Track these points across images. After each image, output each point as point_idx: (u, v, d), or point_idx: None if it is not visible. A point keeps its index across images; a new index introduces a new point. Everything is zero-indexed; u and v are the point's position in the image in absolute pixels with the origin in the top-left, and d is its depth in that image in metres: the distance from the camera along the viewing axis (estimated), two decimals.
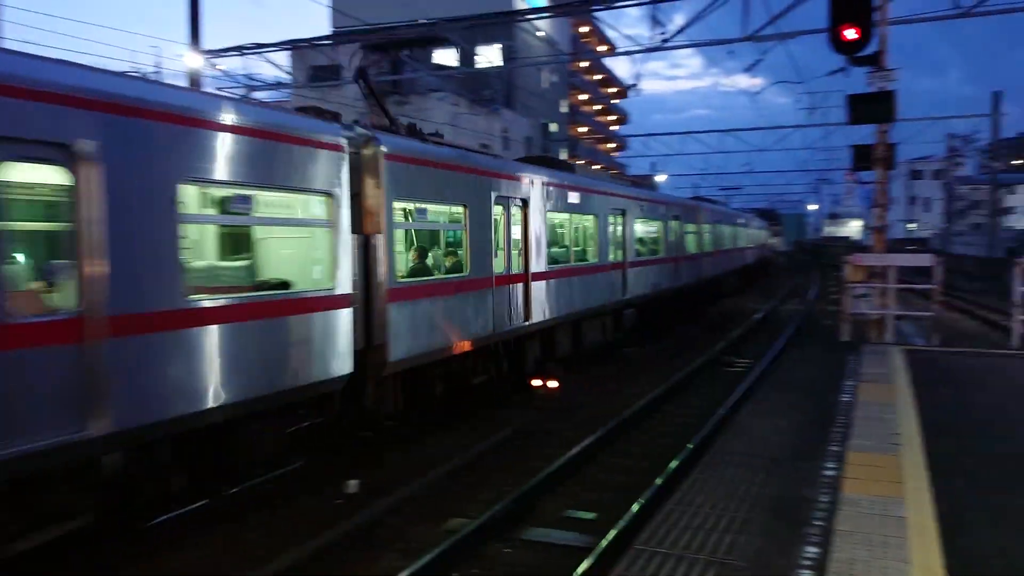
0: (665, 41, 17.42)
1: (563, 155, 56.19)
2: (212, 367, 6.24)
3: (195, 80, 23.14)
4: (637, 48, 18.19)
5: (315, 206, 7.64)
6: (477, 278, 10.20)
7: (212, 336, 6.25)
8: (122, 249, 5.46)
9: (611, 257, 15.12)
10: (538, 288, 11.86)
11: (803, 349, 10.71)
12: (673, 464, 8.01)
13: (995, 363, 9.65)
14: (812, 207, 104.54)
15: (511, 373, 11.61)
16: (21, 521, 5.13)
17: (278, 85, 29.89)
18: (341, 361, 7.67)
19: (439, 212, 10.30)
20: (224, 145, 6.41)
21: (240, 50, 22.50)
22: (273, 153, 6.96)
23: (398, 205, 8.81)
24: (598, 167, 69.57)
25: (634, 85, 21.98)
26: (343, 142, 7.86)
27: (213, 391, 6.23)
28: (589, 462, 8.69)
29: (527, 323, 11.48)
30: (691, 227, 22.72)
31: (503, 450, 9.20)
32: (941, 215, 53.98)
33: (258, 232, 8.10)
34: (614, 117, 79.96)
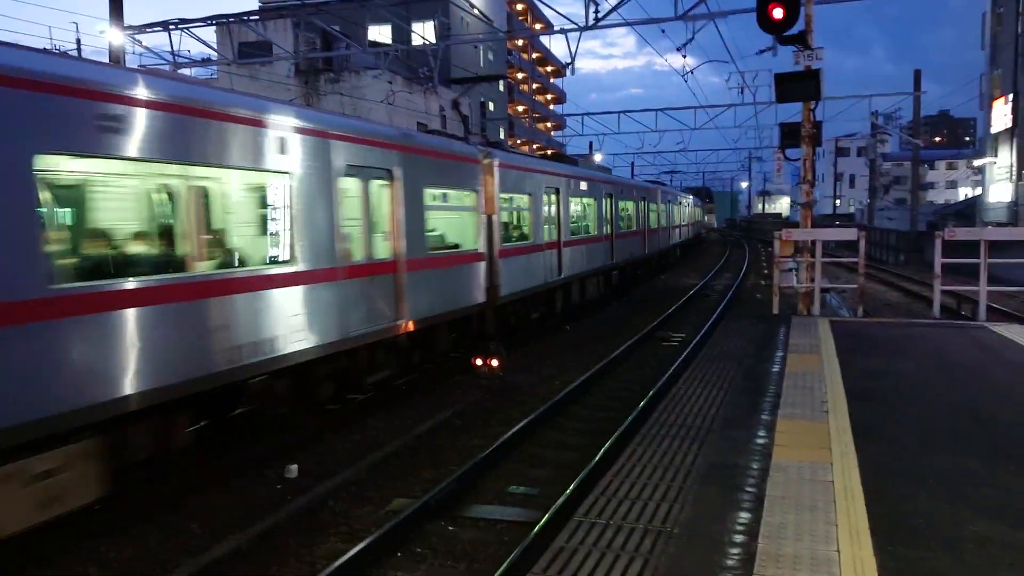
0: (598, 20, 17.49)
1: (501, 134, 56.05)
2: (434, 291, 10.53)
3: (116, 57, 22.25)
4: (571, 27, 18.21)
5: (468, 198, 12.18)
6: (538, 244, 15.05)
7: (436, 272, 10.60)
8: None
9: (606, 230, 20.48)
10: (565, 253, 16.55)
11: (736, 322, 11.01)
12: (611, 440, 8.17)
13: (917, 332, 10.10)
14: (744, 184, 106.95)
15: (561, 312, 16.86)
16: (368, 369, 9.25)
17: (205, 62, 28.97)
18: (480, 293, 12.29)
19: (520, 199, 14.67)
20: (440, 168, 11.06)
21: (164, 25, 21.69)
22: (458, 169, 11.82)
23: (503, 195, 13.22)
24: (536, 146, 69.64)
25: (570, 64, 21.95)
26: (480, 157, 12.50)
27: (430, 305, 10.46)
28: (530, 439, 8.80)
29: (560, 277, 16.33)
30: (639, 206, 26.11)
31: (445, 430, 9.23)
32: (866, 191, 55.87)
33: (448, 214, 11.97)
34: (551, 96, 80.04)
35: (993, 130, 41.88)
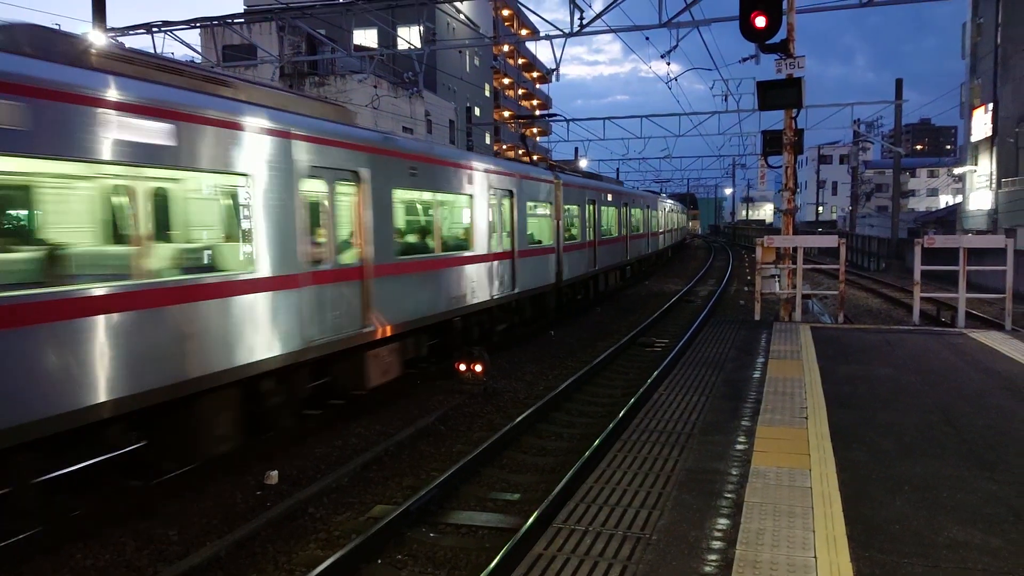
0: (583, 26, 17.56)
1: (487, 139, 56.06)
2: (529, 273, 15.26)
3: None
4: (556, 33, 18.26)
5: (549, 208, 17.10)
6: (584, 242, 19.79)
7: (530, 260, 15.32)
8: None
9: (623, 232, 25.54)
10: (600, 250, 21.48)
11: (718, 328, 11.04)
12: (593, 444, 8.18)
13: (897, 338, 10.17)
14: (728, 191, 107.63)
15: (594, 295, 21.94)
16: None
17: (189, 65, 28.80)
18: (552, 276, 16.94)
19: (572, 208, 18.98)
20: (536, 188, 16.17)
21: (148, 28, 21.56)
22: (546, 188, 16.87)
23: (564, 206, 17.98)
24: (522, 151, 69.69)
25: (555, 70, 22.02)
26: (553, 178, 17.50)
27: (527, 282, 15.22)
28: (512, 445, 8.79)
29: (595, 269, 20.95)
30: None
31: (428, 436, 9.20)
32: (848, 198, 56.36)
33: (539, 219, 16.68)
34: (537, 102, 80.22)
35: (973, 139, 42.40)
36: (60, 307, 5.49)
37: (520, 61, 72.66)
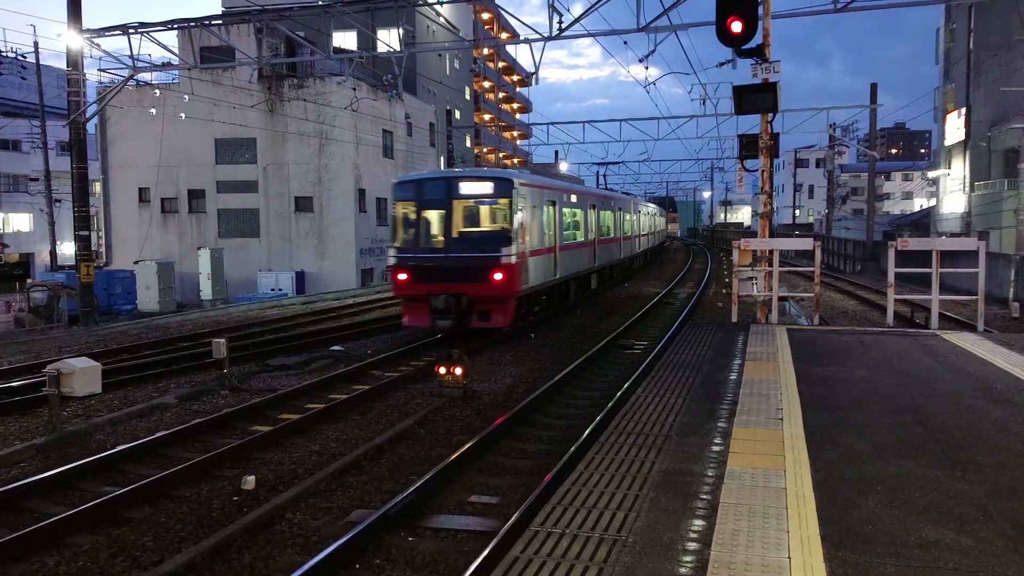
0: (562, 30, 17.61)
1: (467, 142, 56.03)
2: (610, 254, 28.12)
3: (75, 62, 21.81)
4: (536, 37, 18.31)
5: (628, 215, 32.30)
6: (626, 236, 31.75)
7: (608, 246, 27.60)
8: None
9: (617, 233, 30.56)
10: (642, 241, 36.32)
11: (696, 330, 11.11)
12: (571, 450, 8.19)
13: (871, 340, 10.29)
14: (706, 194, 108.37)
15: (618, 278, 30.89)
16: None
17: (166, 66, 28.53)
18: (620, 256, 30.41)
19: (632, 215, 32.10)
20: (625, 204, 33.03)
21: (124, 29, 21.33)
22: (631, 202, 35.21)
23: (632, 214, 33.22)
24: (503, 155, 69.74)
25: (535, 73, 22.07)
26: (631, 197, 36.49)
27: (607, 259, 27.43)
28: (492, 448, 8.78)
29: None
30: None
31: (407, 439, 9.18)
32: (824, 201, 56.95)
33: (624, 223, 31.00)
34: (517, 105, 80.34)
35: (947, 143, 43.00)
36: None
37: (500, 64, 72.75)
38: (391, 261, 16.09)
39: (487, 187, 15.95)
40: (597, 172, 67.29)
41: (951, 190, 42.79)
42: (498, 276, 15.11)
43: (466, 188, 15.81)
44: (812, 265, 12.30)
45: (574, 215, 21.97)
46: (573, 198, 21.66)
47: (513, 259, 15.36)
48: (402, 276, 15.68)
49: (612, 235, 28.15)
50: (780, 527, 4.14)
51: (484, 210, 16.78)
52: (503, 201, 15.65)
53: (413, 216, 16.10)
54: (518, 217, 15.78)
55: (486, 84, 67.78)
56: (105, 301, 28.41)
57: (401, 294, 16.09)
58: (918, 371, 8.18)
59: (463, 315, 15.33)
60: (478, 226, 16.81)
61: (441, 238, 15.91)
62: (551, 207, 18.92)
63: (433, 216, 16.20)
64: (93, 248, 25.00)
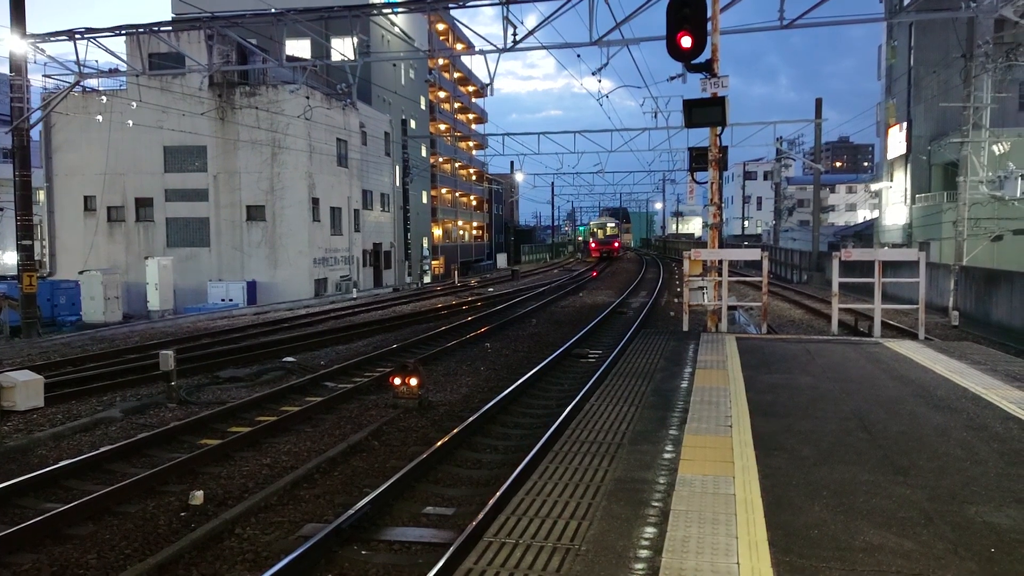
0: (517, 42, 17.74)
1: (423, 152, 55.89)
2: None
3: (18, 67, 21.20)
4: (491, 48, 18.40)
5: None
6: None
7: None
8: None
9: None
10: None
11: (648, 339, 11.24)
12: (525, 460, 8.22)
13: (816, 348, 10.54)
14: (658, 205, 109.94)
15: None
16: None
17: (112, 72, 27.92)
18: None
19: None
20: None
21: (70, 34, 20.81)
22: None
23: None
24: (459, 164, 69.66)
25: (490, 84, 22.17)
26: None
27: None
28: (447, 458, 8.76)
29: None
30: None
31: (361, 451, 9.09)
32: (772, 213, 58.24)
33: None
34: (473, 116, 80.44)
35: (889, 156, 44.34)
36: None
37: (456, 75, 72.82)
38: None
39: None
40: (552, 183, 67.77)
41: (893, 202, 44.10)
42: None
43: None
44: (760, 275, 12.56)
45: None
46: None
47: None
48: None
49: None
50: (729, 533, 4.21)
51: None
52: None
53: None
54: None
55: (441, 94, 67.76)
56: (49, 312, 27.56)
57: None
58: (862, 378, 8.41)
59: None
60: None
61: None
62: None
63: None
64: (36, 258, 24.29)
